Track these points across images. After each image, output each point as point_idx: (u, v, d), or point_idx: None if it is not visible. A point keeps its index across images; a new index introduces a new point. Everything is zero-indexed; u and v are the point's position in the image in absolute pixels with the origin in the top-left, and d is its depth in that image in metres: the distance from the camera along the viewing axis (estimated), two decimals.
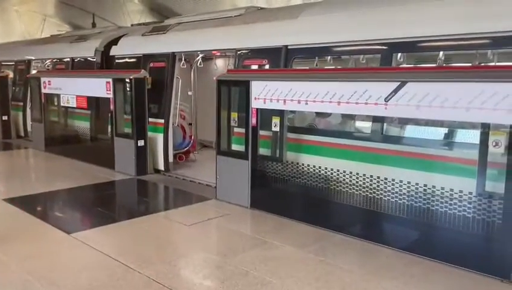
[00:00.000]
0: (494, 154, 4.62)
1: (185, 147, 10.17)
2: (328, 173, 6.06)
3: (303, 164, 6.35)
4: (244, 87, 6.70)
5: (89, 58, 11.29)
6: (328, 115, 6.90)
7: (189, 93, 10.59)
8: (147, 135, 9.09)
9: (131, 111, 8.95)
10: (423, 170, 5.23)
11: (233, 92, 7.09)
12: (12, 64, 14.89)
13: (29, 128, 13.32)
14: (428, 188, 5.13)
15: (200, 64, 9.66)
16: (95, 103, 10.35)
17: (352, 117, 6.45)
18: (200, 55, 9.35)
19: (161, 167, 9.27)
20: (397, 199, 5.40)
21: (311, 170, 6.25)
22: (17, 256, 5.08)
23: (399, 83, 5.08)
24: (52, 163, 10.61)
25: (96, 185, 8.40)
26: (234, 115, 7.07)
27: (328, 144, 6.20)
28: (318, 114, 7.00)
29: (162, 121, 9.17)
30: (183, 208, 7.11)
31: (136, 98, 8.87)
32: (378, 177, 5.55)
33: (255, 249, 5.31)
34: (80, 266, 4.85)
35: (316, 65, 7.03)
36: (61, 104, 11.10)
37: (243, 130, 6.90)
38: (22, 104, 13.80)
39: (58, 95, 11.13)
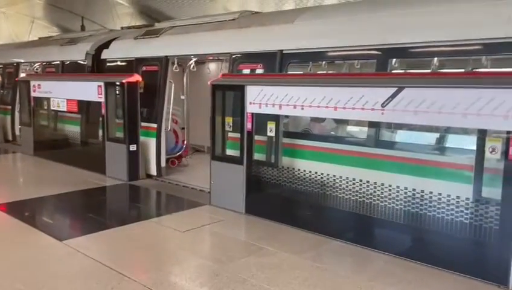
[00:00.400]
0: (491, 160, 4.64)
1: (178, 152, 10.08)
2: (324, 179, 6.04)
3: (299, 169, 6.31)
4: (239, 92, 6.66)
5: (79, 62, 11.16)
6: (322, 120, 6.89)
7: (182, 97, 10.51)
8: (139, 140, 8.99)
9: (124, 115, 8.84)
10: (420, 175, 5.22)
11: (228, 96, 7.05)
12: (1, 67, 14.66)
13: (17, 132, 13.11)
14: (425, 194, 5.13)
15: (193, 68, 9.62)
16: (85, 107, 10.21)
17: (348, 122, 6.44)
18: (193, 59, 9.30)
19: (153, 172, 9.17)
20: (394, 205, 5.39)
21: (307, 175, 6.22)
22: (8, 264, 4.96)
23: (396, 89, 5.09)
24: (42, 168, 10.44)
25: (88, 190, 8.26)
26: (229, 120, 7.02)
27: (324, 149, 6.18)
28: (313, 119, 6.98)
29: (155, 125, 9.08)
30: (176, 214, 7.02)
31: (129, 102, 8.77)
32: (375, 183, 5.54)
33: (251, 256, 5.25)
34: (73, 274, 4.75)
35: (310, 70, 7.02)
36: (51, 108, 10.94)
37: (237, 135, 6.85)
38: (10, 107, 13.57)
39: (48, 99, 10.98)
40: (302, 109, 5.97)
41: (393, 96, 5.12)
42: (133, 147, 8.91)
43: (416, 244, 5.30)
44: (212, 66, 10.93)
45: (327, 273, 4.81)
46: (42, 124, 11.54)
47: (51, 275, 4.75)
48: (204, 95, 9.02)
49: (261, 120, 6.58)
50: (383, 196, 5.47)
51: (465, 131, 5.16)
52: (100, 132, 9.63)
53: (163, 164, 9.21)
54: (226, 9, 17.49)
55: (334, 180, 5.93)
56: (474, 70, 5.68)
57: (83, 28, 23.44)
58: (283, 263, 5.05)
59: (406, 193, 5.29)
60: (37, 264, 5.00)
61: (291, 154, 6.46)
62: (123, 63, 10.05)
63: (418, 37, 5.65)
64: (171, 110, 9.44)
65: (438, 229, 5.03)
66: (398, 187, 5.35)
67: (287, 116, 6.69)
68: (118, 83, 8.92)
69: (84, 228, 6.35)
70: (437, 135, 5.59)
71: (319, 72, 7.12)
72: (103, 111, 9.24)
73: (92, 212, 7.06)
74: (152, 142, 9.11)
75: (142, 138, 9.05)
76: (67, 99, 10.31)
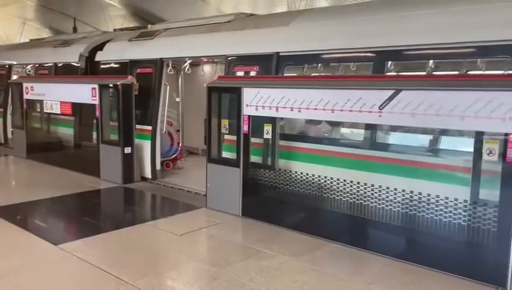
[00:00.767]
0: (488, 162, 4.66)
1: (173, 154, 10.03)
2: (322, 181, 6.03)
3: (295, 172, 6.30)
4: (236, 94, 6.64)
5: (73, 64, 11.06)
6: (319, 122, 6.89)
7: (177, 99, 10.47)
8: (133, 142, 8.94)
9: (118, 118, 8.79)
10: (417, 177, 5.23)
11: (224, 99, 7.03)
12: None
13: (9, 135, 12.96)
14: (423, 196, 5.14)
15: (188, 70, 9.57)
16: (79, 109, 10.12)
17: (345, 124, 6.44)
18: (188, 62, 9.26)
19: (148, 174, 9.11)
20: (391, 207, 5.39)
21: (304, 177, 6.21)
22: (3, 269, 4.87)
23: (393, 91, 5.10)
24: (35, 171, 10.33)
25: (82, 193, 8.19)
26: (225, 122, 7.00)
27: (321, 152, 6.17)
28: (309, 121, 6.98)
29: (150, 127, 9.03)
30: (172, 217, 6.97)
31: (123, 104, 8.71)
32: (372, 185, 5.54)
33: (249, 259, 5.22)
34: (70, 278, 4.70)
35: (305, 72, 7.02)
36: (44, 110, 10.83)
37: (234, 138, 6.83)
38: (2, 110, 13.42)
39: (41, 101, 10.87)
40: (299, 111, 5.96)
41: (390, 98, 5.13)
42: (127, 150, 8.85)
43: (414, 246, 5.30)
44: (207, 68, 10.89)
45: (326, 277, 4.80)
46: (35, 126, 11.42)
47: (46, 280, 4.69)
48: (199, 97, 9.01)
49: (257, 122, 6.56)
50: (380, 198, 5.47)
51: (462, 133, 5.19)
52: (94, 135, 9.56)
53: (158, 166, 9.16)
54: (219, 12, 17.47)
55: (331, 182, 5.93)
56: (469, 72, 5.73)
57: (75, 30, 23.29)
58: (282, 266, 5.03)
59: (403, 195, 5.30)
60: (32, 269, 4.93)
61: (287, 157, 6.45)
62: (117, 65, 9.99)
63: (414, 39, 5.67)
64: (166, 112, 9.40)
65: (436, 231, 5.04)
66: (395, 189, 5.36)
67: (281, 118, 6.68)
68: (112, 85, 8.86)
69: (80, 232, 6.28)
70: (434, 137, 5.61)
71: (315, 74, 7.12)
72: (97, 113, 9.17)
73: (87, 215, 6.99)
74: (147, 144, 9.06)
75: (136, 141, 8.99)
76: (61, 102, 10.22)
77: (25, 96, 11.25)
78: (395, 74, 6.24)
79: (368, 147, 5.75)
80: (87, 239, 5.83)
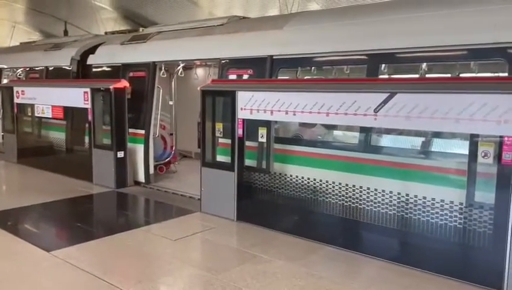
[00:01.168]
0: (484, 164, 4.67)
1: (166, 158, 9.96)
2: (317, 184, 6.00)
3: (290, 175, 6.27)
4: (230, 98, 6.60)
5: (64, 67, 10.96)
6: (313, 125, 6.86)
7: (170, 103, 10.41)
8: (126, 146, 8.86)
9: (111, 121, 8.71)
10: (413, 180, 5.23)
11: (218, 102, 6.99)
12: None
13: (0, 140, 12.79)
14: (419, 199, 5.13)
15: (181, 73, 9.53)
16: (71, 113, 10.03)
17: (340, 128, 6.43)
18: (181, 65, 9.22)
19: (141, 179, 9.04)
20: (387, 210, 5.38)
21: (299, 181, 6.18)
22: None
23: (388, 94, 5.09)
24: (26, 176, 10.20)
25: (74, 198, 8.09)
26: (219, 126, 6.96)
27: (316, 155, 6.15)
28: (303, 124, 6.95)
29: (143, 131, 8.96)
30: (167, 221, 6.91)
31: (116, 108, 8.64)
32: (368, 189, 5.53)
33: (245, 264, 5.18)
34: (63, 286, 4.63)
35: (298, 76, 7.00)
36: (36, 115, 10.72)
37: (228, 141, 6.79)
38: None
39: (32, 105, 10.75)
40: (294, 114, 5.94)
41: (385, 101, 5.12)
42: (120, 154, 8.78)
43: (410, 249, 5.29)
44: (200, 72, 10.85)
45: (323, 281, 4.76)
46: (26, 131, 11.30)
47: (38, 287, 4.62)
48: (192, 100, 8.97)
49: (252, 126, 6.53)
50: (376, 201, 5.46)
51: (457, 136, 5.20)
52: (86, 139, 9.47)
53: (151, 170, 9.09)
54: (212, 15, 17.42)
55: (327, 185, 5.90)
56: (462, 75, 5.75)
57: (65, 33, 23.12)
58: (278, 271, 4.99)
59: (399, 197, 5.29)
60: (24, 276, 4.84)
61: (282, 160, 6.42)
62: (109, 69, 9.90)
63: (408, 42, 5.67)
64: (159, 116, 9.34)
65: (432, 234, 5.03)
66: (391, 192, 5.35)
67: (276, 122, 6.66)
68: (104, 89, 8.78)
69: (72, 238, 6.19)
70: (429, 140, 5.62)
71: (309, 77, 7.11)
72: (90, 117, 9.08)
73: (79, 221, 6.90)
74: (140, 148, 8.99)
75: (129, 145, 8.92)
76: (52, 106, 10.12)
77: (16, 101, 11.13)
78: (389, 76, 6.25)
79: (362, 150, 5.74)
80: (80, 245, 5.75)
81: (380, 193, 5.43)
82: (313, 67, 6.85)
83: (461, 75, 5.81)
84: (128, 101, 8.79)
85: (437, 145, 5.55)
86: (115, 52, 9.84)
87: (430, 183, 5.09)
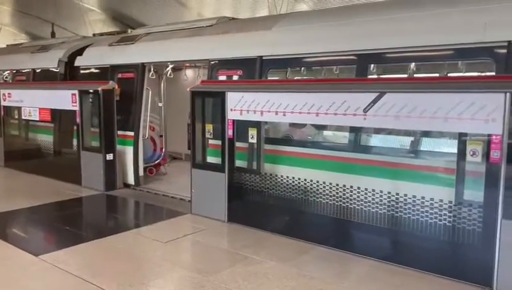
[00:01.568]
0: (472, 163, 4.70)
1: (156, 160, 9.90)
2: (307, 184, 6.00)
3: (281, 176, 6.26)
4: (220, 99, 6.58)
5: (51, 69, 10.83)
6: (303, 125, 6.87)
7: (160, 104, 10.35)
8: (115, 148, 8.79)
9: (99, 124, 8.64)
10: (402, 179, 5.25)
11: (208, 103, 6.97)
12: None
13: None
14: (409, 198, 5.16)
15: (170, 74, 9.48)
16: (59, 116, 9.92)
17: (330, 128, 6.44)
18: (170, 66, 9.17)
19: (131, 181, 8.96)
20: (377, 209, 5.40)
21: (290, 181, 6.18)
22: None
23: (378, 94, 5.11)
24: (13, 179, 10.06)
25: (63, 202, 8.00)
26: (209, 127, 6.93)
27: (306, 155, 6.15)
28: (293, 125, 6.96)
29: (132, 133, 8.89)
30: (157, 224, 6.85)
31: (104, 110, 8.57)
32: (358, 188, 5.54)
33: (236, 265, 5.16)
34: None
35: (289, 76, 7.01)
36: (23, 117, 10.59)
37: (218, 142, 6.76)
38: None
39: (19, 108, 10.62)
40: (284, 115, 5.94)
41: (374, 101, 5.14)
42: (109, 156, 8.70)
43: (401, 248, 5.31)
44: (190, 73, 10.80)
45: (314, 281, 4.76)
46: (13, 134, 11.15)
47: None
48: (182, 101, 8.91)
49: (242, 127, 6.51)
50: (366, 200, 5.48)
51: (446, 135, 5.23)
52: (75, 141, 9.37)
53: (141, 172, 9.02)
54: (200, 16, 17.38)
55: (317, 185, 5.91)
56: (450, 74, 5.79)
57: (53, 35, 22.88)
58: (269, 272, 4.97)
59: (389, 197, 5.31)
60: (12, 281, 4.77)
61: (273, 161, 6.41)
62: (98, 70, 9.81)
63: (396, 42, 5.70)
64: (148, 117, 9.27)
65: (423, 233, 5.06)
66: (381, 192, 5.37)
67: (266, 122, 6.65)
68: (93, 91, 8.70)
69: (61, 242, 6.11)
70: (419, 139, 5.65)
71: (299, 77, 7.11)
72: (78, 120, 9.00)
73: (68, 224, 6.81)
74: (129, 150, 8.92)
75: (119, 147, 8.85)
76: (40, 108, 10.01)
77: (2, 103, 11.00)
78: (378, 76, 6.27)
79: (352, 150, 5.75)
80: (69, 249, 5.68)
81: (370, 192, 5.45)
82: (302, 68, 6.84)
83: (449, 74, 5.86)
84: (117, 102, 8.72)
85: (426, 144, 5.58)
86: (103, 54, 9.76)
87: (419, 182, 5.12)
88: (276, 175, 6.30)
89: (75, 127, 9.23)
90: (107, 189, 8.67)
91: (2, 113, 11.09)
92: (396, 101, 4.99)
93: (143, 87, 8.88)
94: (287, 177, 6.19)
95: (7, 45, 15.88)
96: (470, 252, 4.77)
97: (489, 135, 4.50)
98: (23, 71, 11.92)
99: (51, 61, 10.83)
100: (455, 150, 4.85)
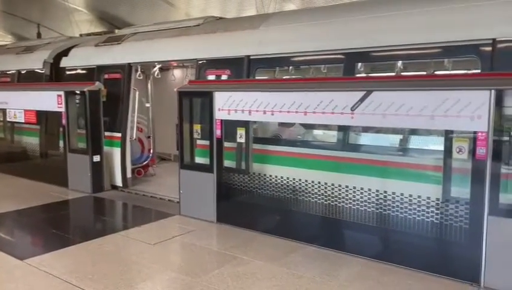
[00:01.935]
0: (459, 160, 4.73)
1: (144, 161, 9.82)
2: (296, 184, 5.99)
3: (270, 175, 6.24)
4: (207, 99, 6.54)
5: (37, 70, 10.68)
6: (292, 124, 6.86)
7: (147, 105, 10.26)
8: (102, 150, 8.70)
9: (86, 125, 8.54)
10: (390, 177, 5.27)
11: (195, 103, 6.93)
12: None
13: None
14: (397, 196, 5.17)
15: (157, 75, 9.41)
16: (45, 118, 9.79)
17: (318, 126, 6.44)
18: (158, 66, 9.10)
19: (119, 183, 8.88)
20: (366, 208, 5.41)
21: (278, 181, 6.16)
22: None
23: (365, 92, 5.12)
24: None
25: (49, 205, 7.88)
26: (197, 127, 6.90)
27: (294, 154, 6.14)
28: (282, 124, 6.95)
29: (119, 134, 8.81)
30: (145, 225, 6.78)
31: (91, 111, 8.48)
32: (347, 187, 5.55)
33: (226, 266, 5.13)
34: None
35: (275, 75, 7.00)
36: (8, 119, 10.43)
37: (206, 143, 6.73)
38: None
39: (3, 110, 10.46)
40: (272, 114, 5.92)
41: (362, 100, 5.15)
42: (96, 158, 8.61)
43: (390, 246, 5.33)
44: (177, 73, 10.74)
45: (303, 280, 4.75)
46: None
47: None
48: (170, 102, 8.85)
49: (230, 126, 6.48)
50: (355, 199, 5.48)
51: (433, 132, 5.26)
52: (61, 143, 9.25)
53: (129, 174, 8.94)
54: (188, 16, 17.30)
55: (306, 185, 5.90)
56: (437, 72, 5.83)
57: (39, 36, 22.63)
58: (258, 271, 4.95)
59: (377, 195, 5.32)
60: None
61: (261, 160, 6.39)
62: (84, 71, 9.70)
63: (383, 40, 5.71)
64: (135, 118, 9.19)
65: (411, 230, 5.08)
66: (369, 190, 5.38)
67: (255, 122, 6.62)
68: (79, 92, 8.60)
69: (47, 245, 6.02)
70: (406, 137, 5.67)
71: (287, 77, 7.11)
72: (64, 121, 8.88)
73: (55, 227, 6.72)
74: (117, 152, 8.83)
75: (106, 148, 8.76)
76: (25, 110, 9.86)
77: None
78: (366, 75, 6.28)
79: (341, 149, 5.76)
80: (56, 252, 5.60)
81: (358, 190, 5.46)
82: (290, 67, 6.84)
83: (436, 72, 5.89)
84: (103, 103, 8.63)
85: (413, 142, 5.61)
86: (89, 54, 9.65)
87: (407, 180, 5.14)
88: (265, 175, 6.28)
89: (61, 129, 9.12)
90: (94, 191, 8.57)
91: None
92: (384, 100, 5.00)
93: (130, 87, 8.80)
94: (276, 176, 6.18)
95: None
96: (458, 249, 4.80)
97: (475, 132, 4.53)
98: (8, 72, 11.73)
99: (36, 62, 10.69)
100: (442, 148, 4.87)
